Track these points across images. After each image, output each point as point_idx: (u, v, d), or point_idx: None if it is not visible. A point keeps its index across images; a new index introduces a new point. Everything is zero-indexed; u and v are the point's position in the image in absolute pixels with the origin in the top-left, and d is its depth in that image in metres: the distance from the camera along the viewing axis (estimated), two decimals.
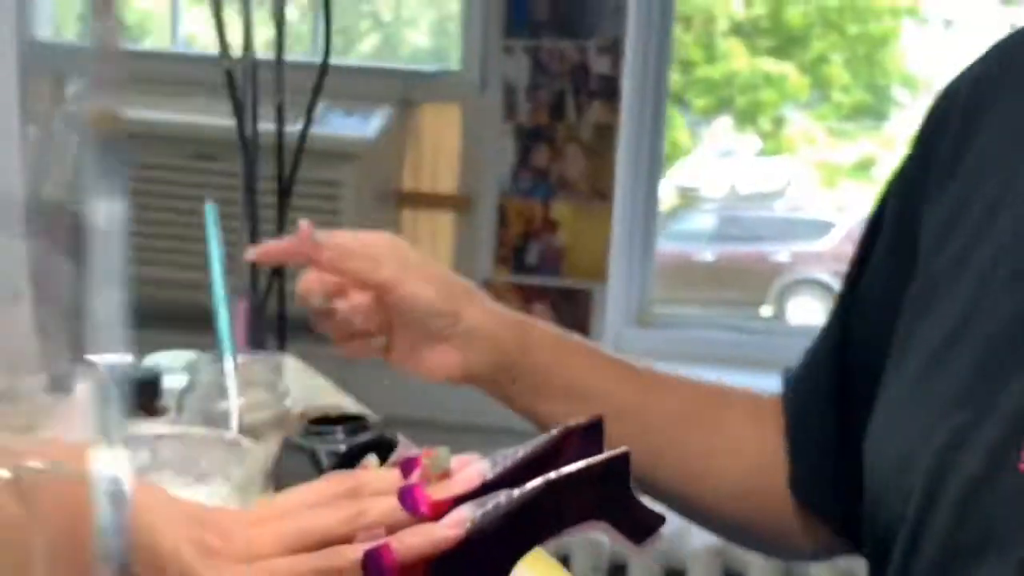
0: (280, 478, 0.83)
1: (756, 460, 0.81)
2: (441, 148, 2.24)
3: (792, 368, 0.82)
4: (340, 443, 0.82)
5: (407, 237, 2.22)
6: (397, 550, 0.50)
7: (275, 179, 1.49)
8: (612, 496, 0.53)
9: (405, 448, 0.77)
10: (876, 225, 0.75)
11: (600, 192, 2.18)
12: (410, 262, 0.81)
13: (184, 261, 2.07)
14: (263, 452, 0.84)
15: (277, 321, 1.46)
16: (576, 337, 0.85)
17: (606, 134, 2.16)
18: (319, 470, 0.81)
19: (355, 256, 0.80)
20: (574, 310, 2.19)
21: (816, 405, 0.78)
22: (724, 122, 3.67)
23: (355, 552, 0.50)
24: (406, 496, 0.52)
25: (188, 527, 0.49)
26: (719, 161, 3.59)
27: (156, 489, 0.50)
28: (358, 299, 0.80)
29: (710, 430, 0.82)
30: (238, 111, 1.43)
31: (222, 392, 0.94)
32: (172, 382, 0.98)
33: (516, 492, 0.51)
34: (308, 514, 0.53)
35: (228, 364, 0.79)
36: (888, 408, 0.69)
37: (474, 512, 0.51)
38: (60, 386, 1.17)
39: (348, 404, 1.16)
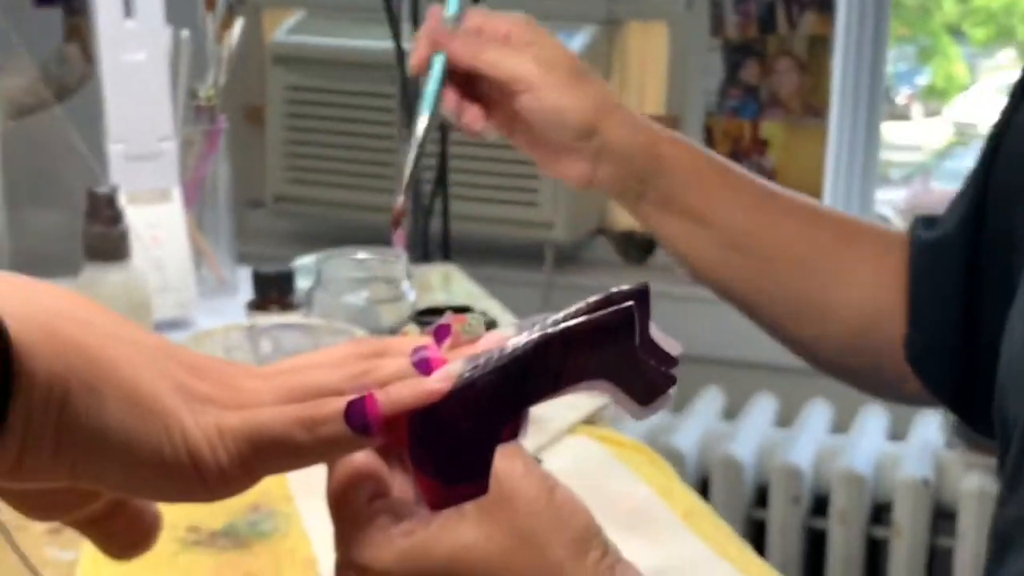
0: None
1: (873, 315, 0.77)
2: (647, 67, 2.19)
3: (926, 217, 0.77)
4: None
5: None
6: (382, 402, 0.48)
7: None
8: (616, 355, 0.49)
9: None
10: None
11: (814, 109, 2.08)
12: (547, 57, 0.77)
13: (353, 183, 2.12)
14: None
15: (442, 235, 1.46)
16: (717, 158, 0.82)
17: (820, 47, 2.05)
18: None
19: (489, 46, 0.78)
20: None
21: (946, 273, 0.74)
22: (1006, 55, 3.42)
23: (340, 403, 0.48)
24: (420, 359, 0.50)
25: (178, 370, 0.49)
26: (999, 97, 3.35)
27: (150, 337, 0.50)
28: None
29: (830, 276, 0.78)
30: (395, 28, 1.44)
31: (346, 287, 0.95)
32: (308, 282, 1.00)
33: (510, 347, 0.48)
34: (313, 371, 0.52)
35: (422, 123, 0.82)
36: None
37: (465, 366, 0.48)
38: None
39: (497, 310, 1.15)
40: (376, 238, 1.46)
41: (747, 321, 0.81)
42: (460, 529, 0.52)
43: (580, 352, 0.49)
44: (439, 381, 0.48)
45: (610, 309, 0.49)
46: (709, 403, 1.98)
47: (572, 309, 0.51)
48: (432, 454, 0.48)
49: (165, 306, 1.08)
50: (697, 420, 1.92)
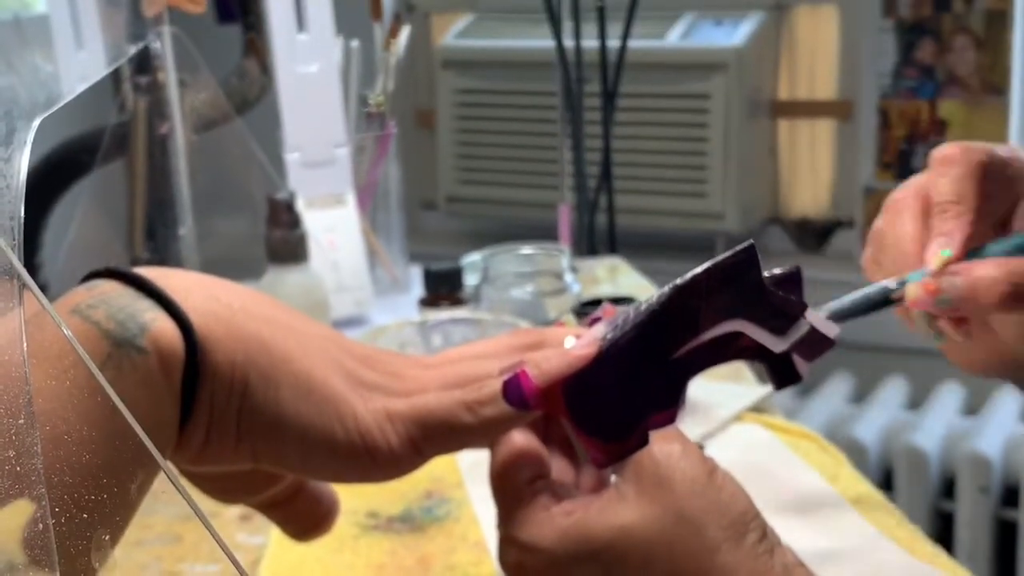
0: None
1: None
2: (817, 52, 2.15)
3: None
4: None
5: (784, 148, 2.18)
6: (535, 375, 0.50)
7: (600, 95, 1.50)
8: (745, 291, 0.50)
9: None
10: None
11: (994, 86, 2.00)
12: None
13: (520, 181, 2.15)
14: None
15: (608, 228, 1.48)
16: None
17: (999, 22, 1.98)
18: None
19: None
20: None
21: None
22: None
23: (498, 383, 0.51)
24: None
25: (348, 360, 0.52)
26: None
27: (322, 329, 0.54)
28: None
29: None
30: (556, 27, 1.45)
31: (512, 282, 0.97)
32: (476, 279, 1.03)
33: (644, 304, 0.49)
34: (473, 361, 0.54)
35: None
36: None
37: (606, 329, 0.50)
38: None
39: None
40: (542, 233, 1.50)
41: None
42: (619, 510, 0.53)
43: (710, 295, 0.50)
44: (584, 347, 0.50)
45: (732, 250, 0.50)
46: (891, 393, 1.93)
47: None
48: (590, 415, 0.50)
49: (342, 304, 1.13)
50: (880, 410, 1.88)
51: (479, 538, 0.72)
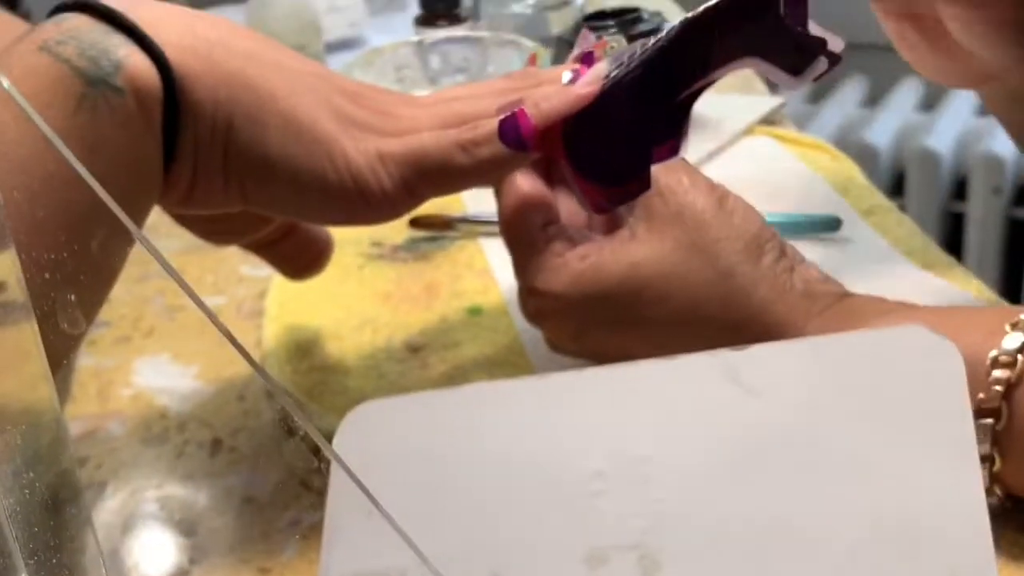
0: None
1: None
2: None
3: None
4: (612, 36, 0.79)
5: None
6: (533, 114, 0.47)
7: None
8: (762, 26, 0.47)
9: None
10: None
11: None
12: None
13: None
14: (540, 50, 0.83)
15: None
16: None
17: None
18: None
19: None
20: None
21: None
22: None
23: (494, 122, 0.48)
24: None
25: (337, 98, 0.50)
26: None
27: (309, 65, 0.51)
28: None
29: None
30: None
31: None
32: None
33: (652, 40, 0.46)
34: (469, 100, 0.52)
35: None
36: None
37: (610, 66, 0.47)
38: None
39: (671, 9, 1.10)
40: None
41: None
42: (631, 248, 0.52)
43: (725, 30, 0.46)
44: (586, 85, 0.47)
45: None
46: (905, 95, 1.89)
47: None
48: (589, 158, 0.48)
49: (335, 25, 1.09)
50: (893, 113, 1.84)
51: (485, 265, 0.71)
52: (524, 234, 0.54)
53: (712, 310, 0.51)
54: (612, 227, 0.55)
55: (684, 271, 0.51)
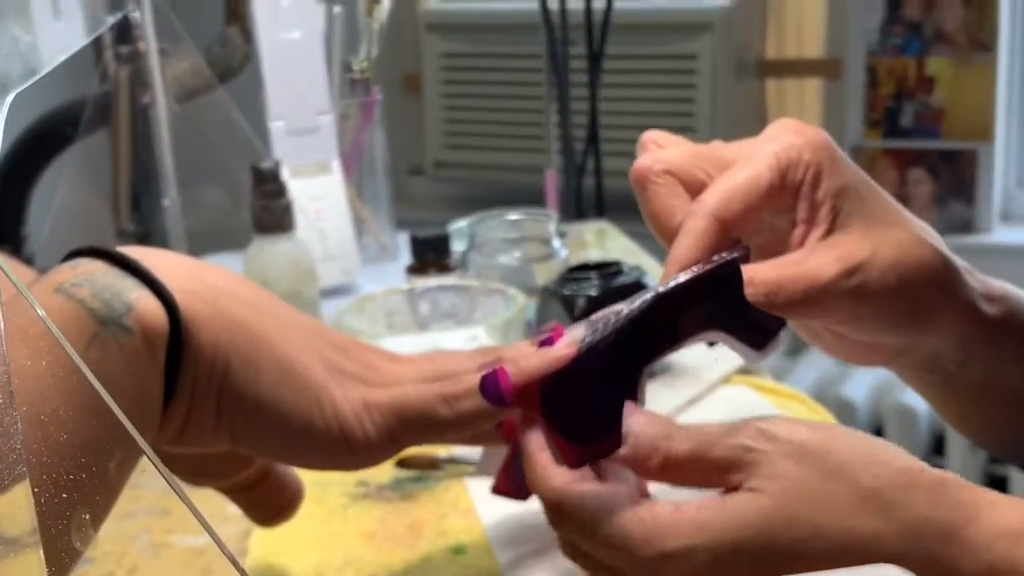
0: (540, 323, 0.85)
1: None
2: (804, 9, 2.14)
3: None
4: (593, 288, 0.82)
5: (772, 108, 2.17)
6: (513, 372, 0.50)
7: (586, 57, 1.49)
8: (726, 304, 0.51)
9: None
10: None
11: (981, 43, 2.00)
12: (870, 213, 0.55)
13: (507, 145, 2.14)
14: (524, 300, 0.87)
15: (595, 191, 1.47)
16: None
17: None
18: (572, 315, 0.81)
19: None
20: (956, 172, 2.04)
21: None
22: None
23: (475, 378, 0.51)
24: (544, 339, 0.52)
25: (328, 350, 0.52)
26: None
27: (303, 318, 0.54)
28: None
29: None
30: None
31: (500, 248, 0.97)
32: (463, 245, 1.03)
33: (624, 309, 0.50)
34: (448, 358, 0.55)
35: None
36: None
37: (586, 331, 0.50)
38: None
39: (651, 265, 1.15)
40: (529, 198, 1.49)
41: None
42: (751, 499, 0.46)
43: (691, 305, 0.50)
44: (564, 347, 0.50)
45: (715, 262, 0.50)
46: None
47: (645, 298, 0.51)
48: (564, 416, 0.50)
49: (330, 273, 1.13)
50: (868, 370, 1.88)
51: (469, 505, 0.72)
52: (594, 511, 0.47)
53: (871, 529, 0.45)
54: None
55: (825, 498, 0.45)
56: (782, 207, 0.55)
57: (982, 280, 0.59)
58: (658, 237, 0.55)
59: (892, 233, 0.54)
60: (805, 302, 0.52)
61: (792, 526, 0.45)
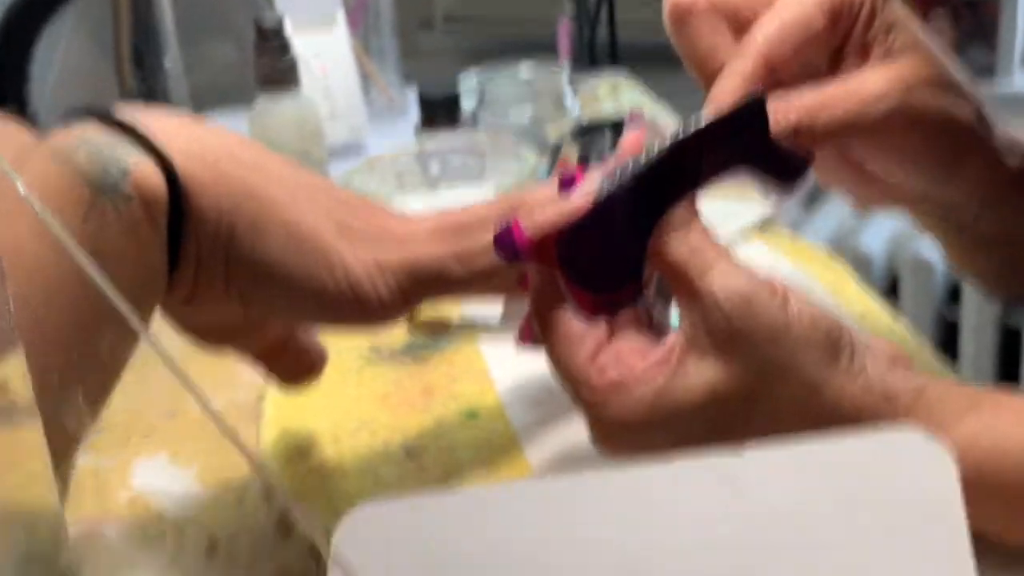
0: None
1: None
2: None
3: None
4: (606, 145, 0.80)
5: None
6: (527, 226, 0.48)
7: None
8: (750, 144, 0.48)
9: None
10: None
11: None
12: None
13: None
14: (535, 159, 0.85)
15: (609, 41, 1.43)
16: None
17: None
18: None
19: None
20: (978, 16, 1.98)
21: None
22: None
23: (488, 235, 0.49)
24: (566, 178, 0.50)
25: (337, 209, 0.51)
26: None
27: (310, 178, 0.52)
28: None
29: None
30: None
31: (510, 105, 0.95)
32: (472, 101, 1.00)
33: (643, 156, 0.48)
34: (462, 212, 0.53)
35: None
36: None
37: (603, 180, 0.48)
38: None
39: (666, 117, 1.13)
40: (542, 48, 1.45)
41: None
42: (702, 371, 0.48)
43: (715, 147, 0.48)
44: (580, 197, 0.48)
45: (739, 102, 0.48)
46: None
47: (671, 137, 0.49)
48: (582, 267, 0.49)
49: (337, 132, 1.11)
50: (887, 220, 1.86)
51: (483, 367, 0.72)
52: (574, 368, 0.50)
53: (800, 428, 0.46)
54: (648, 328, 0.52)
55: (765, 392, 0.47)
56: (830, 47, 0.53)
57: (1006, 131, 0.58)
58: (697, 77, 0.53)
59: (938, 64, 0.53)
60: (848, 124, 0.51)
61: (730, 410, 0.47)
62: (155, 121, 0.48)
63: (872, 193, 0.59)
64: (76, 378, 0.39)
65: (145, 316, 0.48)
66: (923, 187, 0.57)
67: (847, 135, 0.53)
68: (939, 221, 0.61)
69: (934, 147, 0.55)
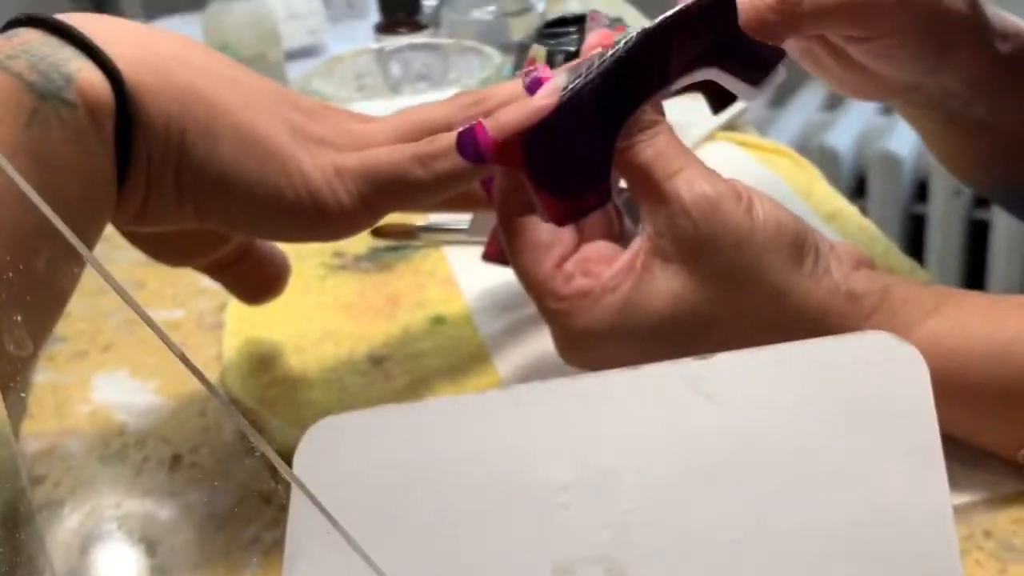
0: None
1: None
2: None
3: None
4: (572, 43, 0.78)
5: None
6: (491, 127, 0.47)
7: None
8: (720, 36, 0.47)
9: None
10: None
11: None
12: None
13: None
14: (500, 58, 0.83)
15: None
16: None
17: None
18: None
19: None
20: None
21: None
22: None
23: (451, 136, 0.48)
24: (531, 80, 0.48)
25: (293, 114, 0.49)
26: None
27: (265, 82, 0.50)
28: None
29: None
30: None
31: (473, 2, 0.92)
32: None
33: (610, 51, 0.46)
34: (423, 110, 0.51)
35: None
36: None
37: (569, 78, 0.47)
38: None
39: (634, 16, 1.10)
40: None
41: None
42: (668, 277, 0.47)
43: (683, 41, 0.47)
44: (544, 97, 0.47)
45: None
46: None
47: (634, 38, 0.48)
48: (549, 170, 0.47)
49: (294, 34, 1.08)
50: (854, 116, 1.85)
51: (448, 274, 0.71)
52: (539, 277, 0.50)
53: (766, 331, 0.46)
54: (615, 233, 0.52)
55: (731, 298, 0.47)
56: None
57: (999, 15, 0.57)
58: None
59: None
60: (836, 4, 0.50)
61: (696, 315, 0.47)
62: (99, 27, 0.46)
63: (859, 84, 0.58)
64: (14, 298, 0.37)
65: (96, 229, 0.46)
66: (912, 78, 0.56)
67: (835, 18, 0.52)
68: (926, 111, 0.60)
69: (925, 31, 0.54)
